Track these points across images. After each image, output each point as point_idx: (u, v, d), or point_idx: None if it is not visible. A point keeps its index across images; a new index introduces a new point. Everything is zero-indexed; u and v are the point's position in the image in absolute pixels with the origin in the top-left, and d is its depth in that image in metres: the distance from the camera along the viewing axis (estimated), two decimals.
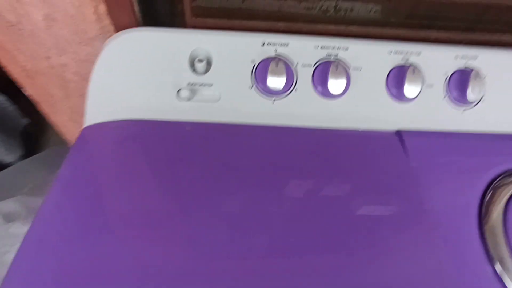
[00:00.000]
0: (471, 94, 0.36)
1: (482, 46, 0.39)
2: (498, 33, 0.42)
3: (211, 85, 0.35)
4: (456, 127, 0.38)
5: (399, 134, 0.37)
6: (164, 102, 0.35)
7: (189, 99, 0.35)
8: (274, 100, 0.36)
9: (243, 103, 0.36)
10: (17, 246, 0.25)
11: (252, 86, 0.36)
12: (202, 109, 0.36)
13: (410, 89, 0.35)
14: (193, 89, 0.35)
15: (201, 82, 0.35)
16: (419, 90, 0.36)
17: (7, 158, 0.77)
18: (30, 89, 0.49)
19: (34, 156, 0.77)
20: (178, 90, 0.35)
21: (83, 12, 0.38)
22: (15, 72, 0.46)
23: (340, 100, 0.37)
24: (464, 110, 0.38)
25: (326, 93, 0.36)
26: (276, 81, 0.34)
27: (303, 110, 0.36)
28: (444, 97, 0.38)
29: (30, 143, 0.81)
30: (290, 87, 0.36)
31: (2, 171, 0.73)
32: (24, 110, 0.79)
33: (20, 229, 0.62)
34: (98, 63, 0.35)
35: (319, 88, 0.36)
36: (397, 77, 0.36)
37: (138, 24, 0.39)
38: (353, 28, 0.39)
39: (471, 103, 0.38)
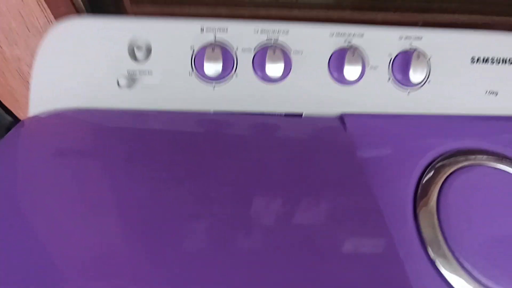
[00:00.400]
0: (413, 75, 0.36)
1: (429, 27, 0.38)
2: (448, 14, 0.41)
3: (151, 72, 0.36)
4: (402, 109, 0.38)
5: (341, 117, 0.37)
6: (105, 91, 0.35)
7: (129, 86, 0.35)
8: (215, 85, 0.36)
9: (183, 89, 0.36)
10: None
11: (192, 72, 0.36)
12: (143, 96, 0.36)
13: (350, 71, 0.35)
14: (133, 77, 0.35)
15: (141, 70, 0.36)
16: (359, 72, 0.35)
17: None
18: None
19: None
20: (118, 78, 0.35)
21: (27, 3, 0.38)
22: None
23: (281, 84, 0.36)
24: (409, 92, 0.38)
25: (266, 78, 0.36)
26: (212, 67, 0.34)
27: (244, 95, 0.36)
28: (389, 79, 0.37)
29: None
30: (230, 72, 0.36)
31: None
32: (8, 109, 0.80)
33: None
34: (38, 54, 0.36)
35: (259, 72, 0.36)
36: (338, 60, 0.36)
37: (81, 13, 0.39)
38: (297, 12, 0.39)
39: (416, 84, 0.37)
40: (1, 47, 0.43)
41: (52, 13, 0.37)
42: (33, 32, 0.42)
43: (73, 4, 0.37)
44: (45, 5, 0.37)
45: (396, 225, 0.32)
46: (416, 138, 0.36)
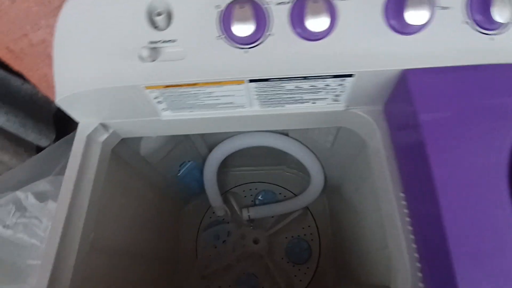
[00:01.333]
0: (498, 12, 0.28)
1: None
2: None
3: (174, 41, 0.31)
4: (484, 59, 0.30)
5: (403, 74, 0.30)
6: (128, 66, 0.32)
7: (153, 59, 0.31)
8: (247, 49, 0.31)
9: (212, 57, 0.31)
10: None
11: (220, 36, 0.31)
12: (168, 69, 0.32)
13: (413, 16, 0.28)
14: (155, 48, 0.31)
15: (163, 39, 0.31)
16: (426, 17, 0.28)
17: (42, 142, 0.81)
18: (24, 71, 0.49)
19: (64, 138, 0.80)
20: (140, 51, 0.31)
21: None
22: (5, 56, 0.46)
23: (326, 40, 0.30)
24: (493, 35, 0.29)
25: (307, 34, 0.30)
26: (242, 28, 0.29)
27: (283, 57, 0.31)
28: (465, 21, 0.29)
29: (62, 126, 0.84)
30: (264, 31, 0.30)
31: (37, 155, 0.77)
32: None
33: (52, 206, 0.65)
34: (56, 34, 0.33)
35: (299, 29, 0.30)
36: (397, 3, 0.29)
37: None
38: None
39: (502, 25, 0.29)
40: (27, 35, 0.42)
41: None
42: (52, 12, 0.39)
43: None
44: None
45: (488, 198, 0.25)
46: (507, 93, 0.28)
